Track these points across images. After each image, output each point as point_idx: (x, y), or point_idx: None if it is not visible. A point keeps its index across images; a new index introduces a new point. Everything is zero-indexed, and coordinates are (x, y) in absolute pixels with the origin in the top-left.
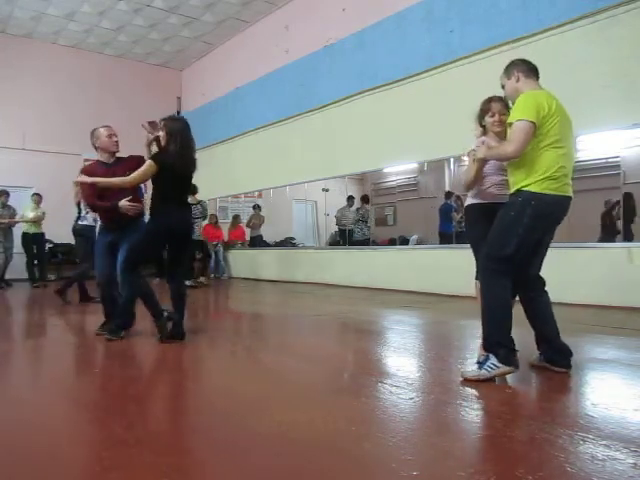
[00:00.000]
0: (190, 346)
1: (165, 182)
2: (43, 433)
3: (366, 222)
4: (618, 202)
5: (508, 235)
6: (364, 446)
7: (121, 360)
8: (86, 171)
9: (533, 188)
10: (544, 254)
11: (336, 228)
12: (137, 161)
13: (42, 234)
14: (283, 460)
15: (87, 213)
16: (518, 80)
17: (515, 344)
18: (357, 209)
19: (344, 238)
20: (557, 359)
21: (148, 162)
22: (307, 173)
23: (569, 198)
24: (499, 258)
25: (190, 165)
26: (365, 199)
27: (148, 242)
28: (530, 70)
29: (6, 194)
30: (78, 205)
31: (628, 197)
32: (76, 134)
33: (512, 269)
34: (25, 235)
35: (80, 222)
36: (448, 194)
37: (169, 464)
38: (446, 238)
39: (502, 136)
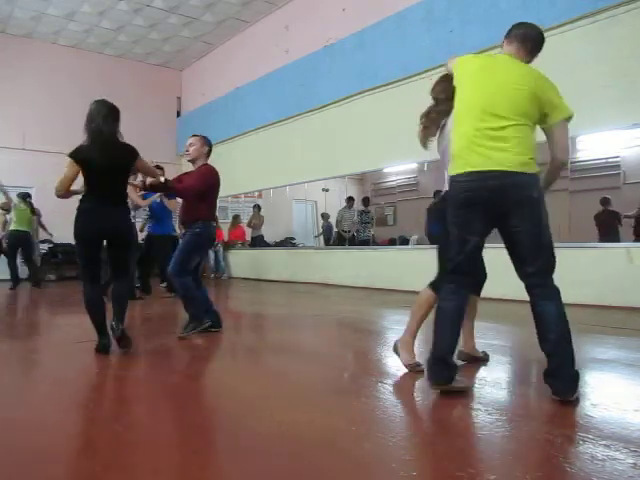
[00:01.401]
0: (189, 346)
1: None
2: (43, 433)
3: (370, 224)
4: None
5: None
6: (364, 446)
7: (118, 360)
8: None
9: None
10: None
11: (335, 229)
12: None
13: (27, 232)
14: (283, 460)
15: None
16: None
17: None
18: (361, 212)
19: (342, 240)
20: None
21: (66, 161)
22: (307, 173)
23: (479, 174)
24: None
25: (112, 155)
26: (366, 201)
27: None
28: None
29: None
30: None
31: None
32: (76, 134)
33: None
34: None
35: None
36: (437, 193)
37: (169, 464)
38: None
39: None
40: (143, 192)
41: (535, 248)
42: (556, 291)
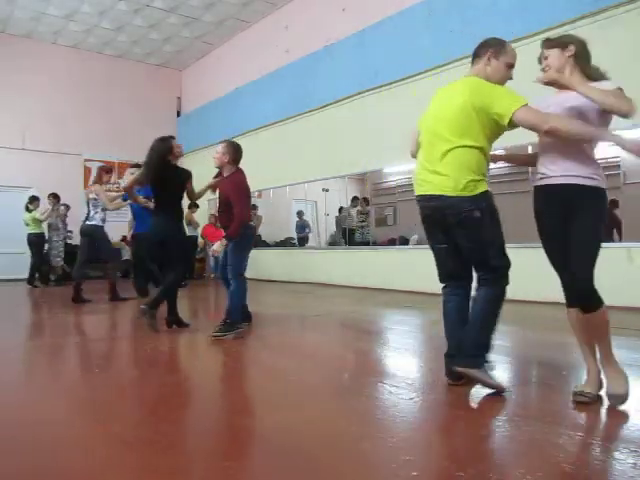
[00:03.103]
0: (189, 346)
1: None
2: (43, 432)
3: (367, 224)
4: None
5: None
6: (364, 446)
7: (116, 360)
8: None
9: None
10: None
11: (335, 228)
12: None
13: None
14: (283, 460)
15: (96, 213)
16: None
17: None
18: (359, 212)
19: (346, 238)
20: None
21: None
22: (307, 173)
23: (422, 197)
24: None
25: (155, 179)
26: (365, 201)
27: None
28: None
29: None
30: (88, 204)
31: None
32: (76, 134)
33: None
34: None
35: (88, 222)
36: None
37: (169, 464)
38: None
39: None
40: (122, 193)
41: (475, 261)
42: (494, 288)
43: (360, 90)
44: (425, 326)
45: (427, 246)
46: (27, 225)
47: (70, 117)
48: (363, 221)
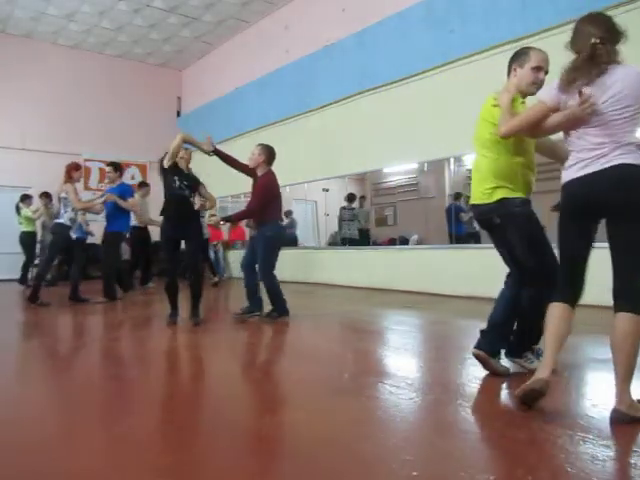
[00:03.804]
0: (189, 346)
1: None
2: (44, 432)
3: (355, 221)
4: None
5: None
6: (364, 446)
7: (114, 360)
8: None
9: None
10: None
11: (336, 228)
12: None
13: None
14: (283, 460)
15: (65, 212)
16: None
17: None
18: (343, 208)
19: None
20: None
21: None
22: (307, 173)
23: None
24: None
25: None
26: (351, 198)
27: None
28: None
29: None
30: (59, 202)
31: None
32: (76, 134)
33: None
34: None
35: (56, 220)
36: (457, 195)
37: (169, 464)
38: (458, 239)
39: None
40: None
41: (512, 261)
42: (530, 291)
43: (360, 90)
44: (425, 326)
45: (427, 246)
46: (20, 224)
47: (70, 117)
48: (351, 219)
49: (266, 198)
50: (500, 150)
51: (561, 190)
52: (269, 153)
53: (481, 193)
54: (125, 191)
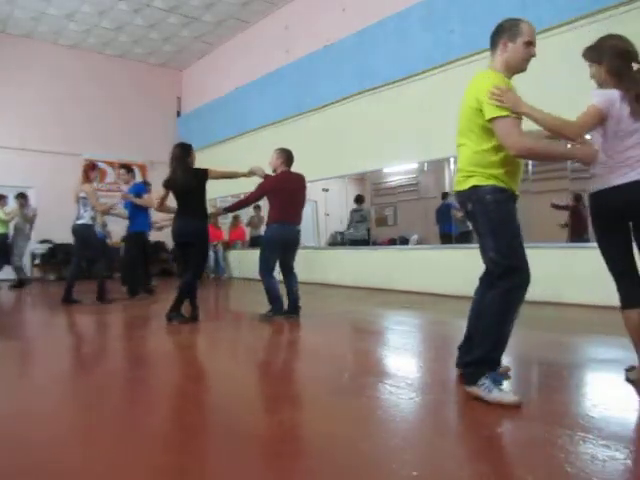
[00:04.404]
0: (189, 346)
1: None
2: (43, 432)
3: (363, 222)
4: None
5: None
6: (364, 446)
7: (113, 359)
8: None
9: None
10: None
11: (336, 228)
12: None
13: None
14: (283, 460)
15: (85, 212)
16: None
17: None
18: (353, 210)
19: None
20: None
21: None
22: (307, 173)
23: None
24: None
25: (183, 184)
26: (359, 199)
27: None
28: None
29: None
30: (77, 203)
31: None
32: (76, 134)
33: None
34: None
35: (77, 221)
36: (445, 195)
37: (169, 464)
38: (448, 238)
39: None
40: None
41: (482, 251)
42: (495, 290)
43: (360, 90)
44: (425, 326)
45: (427, 246)
46: None
47: (70, 117)
48: (361, 220)
49: (263, 190)
50: (482, 138)
51: (594, 198)
52: (286, 155)
53: (457, 180)
54: (140, 189)
